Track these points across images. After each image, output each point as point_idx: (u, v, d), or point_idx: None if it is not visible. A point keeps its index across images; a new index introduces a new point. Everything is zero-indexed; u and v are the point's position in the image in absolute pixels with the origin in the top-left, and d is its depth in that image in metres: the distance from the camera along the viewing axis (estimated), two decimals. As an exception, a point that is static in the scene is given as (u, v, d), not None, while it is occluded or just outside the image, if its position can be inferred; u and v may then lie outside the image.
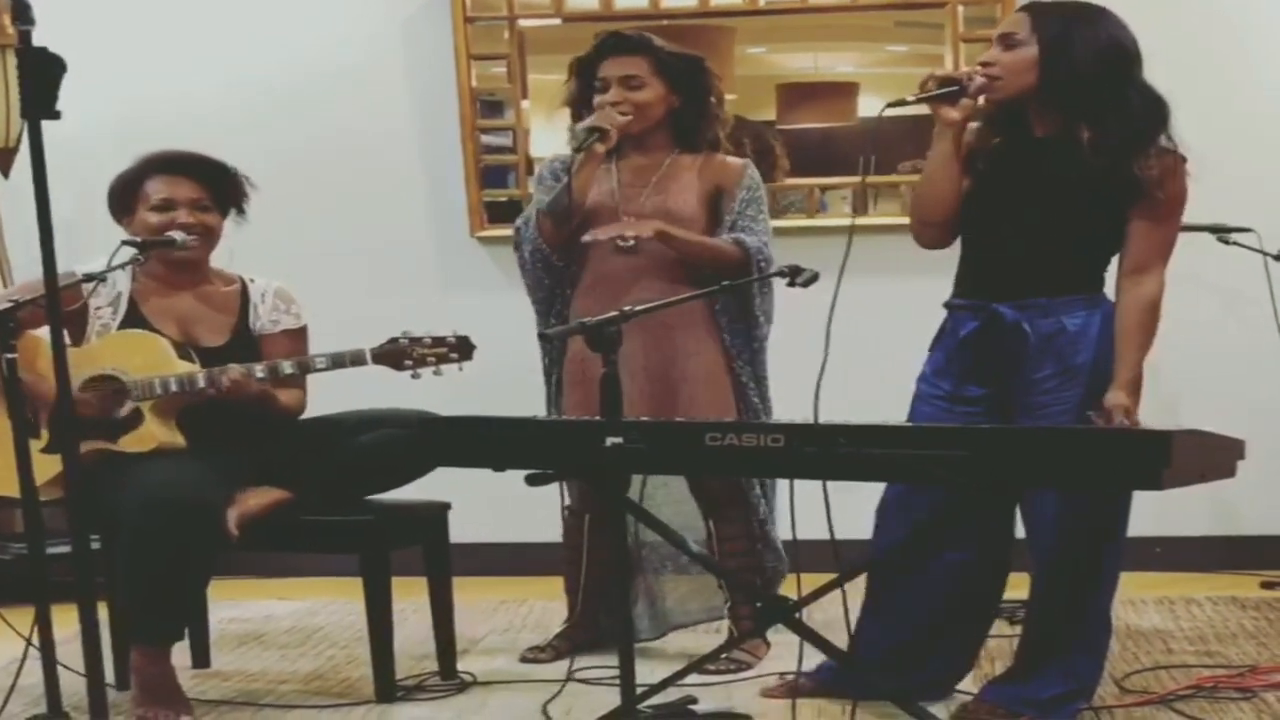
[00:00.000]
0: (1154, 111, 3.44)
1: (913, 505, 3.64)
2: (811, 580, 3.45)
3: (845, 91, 5.78)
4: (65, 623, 3.19)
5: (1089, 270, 3.57)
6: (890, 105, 3.45)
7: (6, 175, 5.51)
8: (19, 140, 5.44)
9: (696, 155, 4.30)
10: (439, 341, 3.94)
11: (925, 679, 3.71)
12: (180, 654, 4.08)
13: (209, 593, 4.25)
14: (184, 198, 4.08)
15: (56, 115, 2.99)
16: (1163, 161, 3.42)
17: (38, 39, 3.01)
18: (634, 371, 4.08)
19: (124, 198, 4.12)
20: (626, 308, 3.49)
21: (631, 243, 4.15)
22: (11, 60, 4.85)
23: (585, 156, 4.15)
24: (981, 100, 3.54)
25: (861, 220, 3.40)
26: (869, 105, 5.63)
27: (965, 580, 3.68)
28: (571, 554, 4.43)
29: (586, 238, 4.15)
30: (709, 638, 4.39)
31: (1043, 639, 3.62)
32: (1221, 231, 5.01)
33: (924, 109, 3.59)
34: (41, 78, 2.96)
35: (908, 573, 3.70)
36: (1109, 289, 3.57)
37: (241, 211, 4.21)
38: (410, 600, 4.41)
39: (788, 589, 3.66)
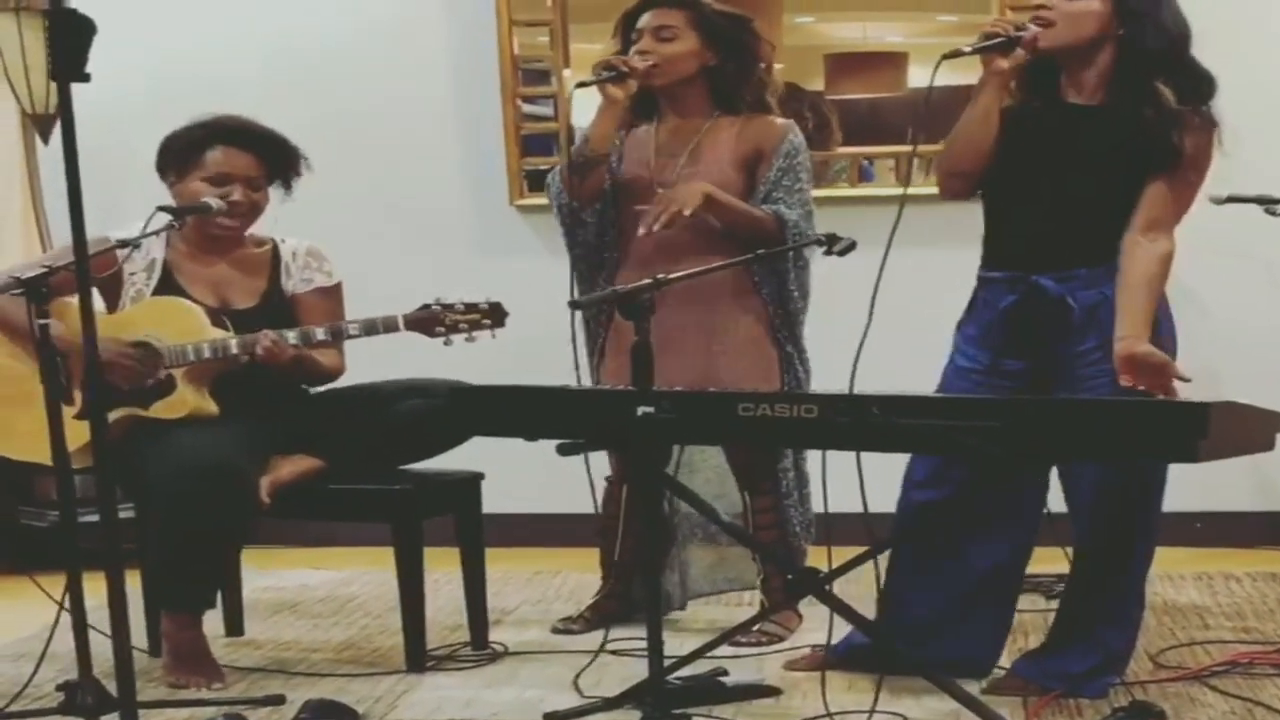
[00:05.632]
0: (1205, 83, 3.42)
1: (943, 479, 3.60)
2: (842, 553, 3.42)
3: (894, 61, 5.72)
4: (97, 591, 3.19)
5: (1121, 236, 3.51)
6: (946, 56, 3.40)
7: (46, 141, 5.51)
8: (55, 106, 5.44)
9: (737, 117, 4.22)
10: (471, 308, 3.92)
11: (957, 654, 3.67)
12: (214, 622, 4.09)
13: (244, 562, 4.27)
14: (241, 175, 4.04)
15: (86, 78, 2.95)
16: (1202, 131, 3.40)
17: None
18: (670, 345, 3.99)
19: (181, 158, 4.06)
20: (660, 276, 3.45)
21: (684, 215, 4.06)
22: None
23: (603, 104, 4.12)
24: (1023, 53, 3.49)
25: (909, 191, 3.35)
26: (918, 75, 5.56)
27: (998, 556, 3.64)
28: (608, 524, 4.40)
29: (641, 232, 4.06)
30: (740, 610, 4.36)
31: (1077, 613, 3.59)
32: (1269, 203, 4.93)
33: (975, 78, 3.54)
34: (71, 39, 2.93)
35: (939, 544, 3.66)
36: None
37: (289, 188, 4.18)
38: (443, 570, 4.40)
39: (819, 561, 3.62)
